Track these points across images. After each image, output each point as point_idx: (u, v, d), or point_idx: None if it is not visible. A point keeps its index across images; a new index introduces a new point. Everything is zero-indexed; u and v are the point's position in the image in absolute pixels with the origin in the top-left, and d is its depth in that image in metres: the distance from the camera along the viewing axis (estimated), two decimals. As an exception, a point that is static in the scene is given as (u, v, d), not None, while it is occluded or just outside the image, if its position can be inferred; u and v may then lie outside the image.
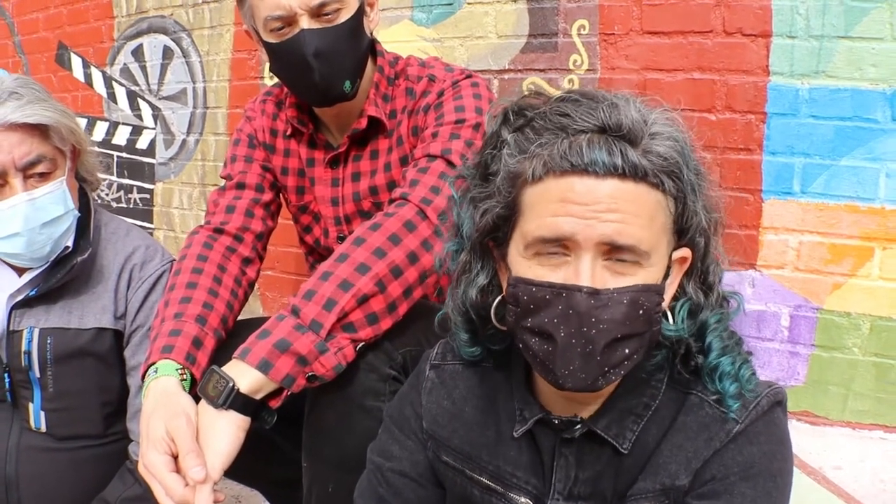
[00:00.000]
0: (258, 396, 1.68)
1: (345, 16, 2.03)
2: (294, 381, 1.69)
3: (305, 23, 2.00)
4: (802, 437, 2.63)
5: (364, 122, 2.18)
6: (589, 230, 1.18)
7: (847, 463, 2.50)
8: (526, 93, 1.38)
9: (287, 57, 2.06)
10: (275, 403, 1.72)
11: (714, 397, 1.32)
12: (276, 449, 2.11)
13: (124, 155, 4.75)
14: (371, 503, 1.57)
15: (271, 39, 2.06)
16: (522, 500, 1.44)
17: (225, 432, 1.65)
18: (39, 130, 1.98)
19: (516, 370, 1.47)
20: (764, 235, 2.73)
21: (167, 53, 4.44)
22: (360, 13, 2.08)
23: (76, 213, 2.10)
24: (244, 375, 1.66)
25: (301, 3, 1.98)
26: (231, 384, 1.64)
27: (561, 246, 1.22)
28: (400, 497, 1.56)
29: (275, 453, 2.12)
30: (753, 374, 1.35)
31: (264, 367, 1.66)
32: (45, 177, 2.01)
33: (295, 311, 1.72)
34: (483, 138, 1.42)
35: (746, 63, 2.68)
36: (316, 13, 2.00)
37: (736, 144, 2.72)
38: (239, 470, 1.69)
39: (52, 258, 2.09)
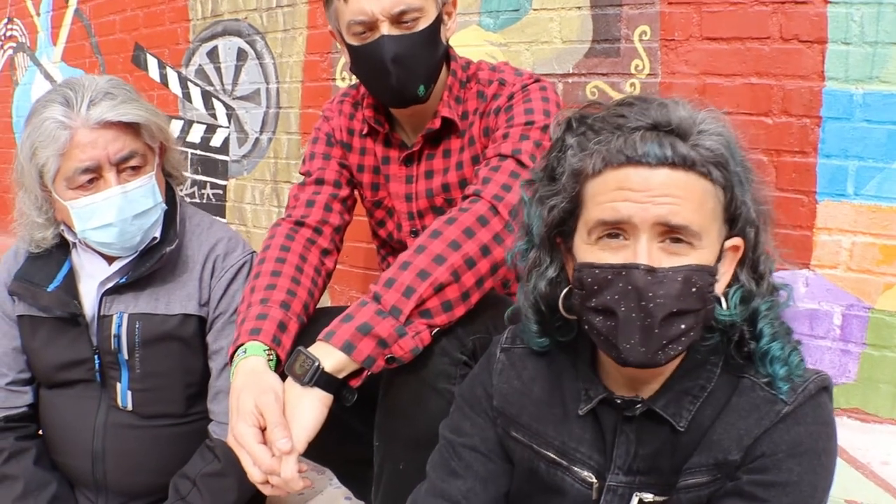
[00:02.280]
0: (341, 375, 1.77)
1: (423, 24, 2.11)
2: (374, 362, 1.78)
3: (386, 29, 2.08)
4: (852, 434, 2.63)
5: (438, 123, 2.25)
6: (644, 213, 1.30)
7: (895, 458, 2.52)
8: (588, 101, 1.50)
9: (367, 60, 2.15)
10: (355, 383, 1.81)
11: (765, 380, 1.41)
12: (350, 430, 2.18)
13: (198, 152, 4.80)
14: (443, 475, 1.66)
15: (353, 42, 2.14)
16: (585, 473, 1.53)
17: (309, 408, 1.74)
18: (132, 128, 2.09)
19: (583, 354, 1.56)
20: (818, 236, 2.74)
21: (241, 55, 4.49)
22: (437, 22, 2.16)
23: (164, 206, 2.19)
24: (329, 356, 1.75)
25: (382, 10, 2.06)
26: (317, 363, 1.74)
27: (620, 230, 1.33)
28: (470, 470, 1.65)
29: (348, 434, 2.18)
30: (802, 360, 1.43)
31: (348, 348, 1.76)
32: (136, 171, 2.11)
33: (376, 298, 1.81)
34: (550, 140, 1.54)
35: (802, 68, 2.69)
36: (396, 20, 2.08)
37: (792, 147, 2.73)
38: (314, 449, 1.77)
39: (141, 248, 2.18)
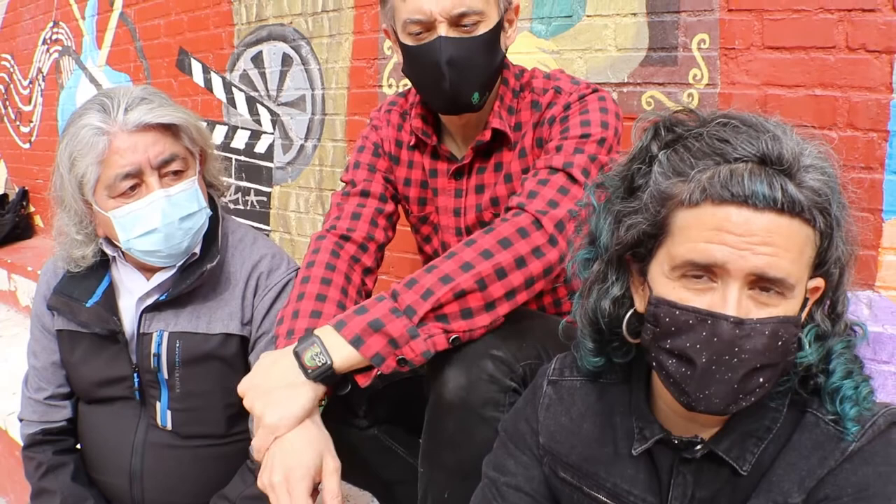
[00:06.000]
0: (347, 372, 1.76)
1: (483, 29, 2.05)
2: (384, 361, 1.75)
3: (443, 30, 2.02)
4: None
5: (488, 135, 2.18)
6: (742, 261, 1.20)
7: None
8: (678, 107, 1.37)
9: (421, 61, 2.09)
10: (363, 381, 1.78)
11: (831, 417, 1.32)
12: (394, 455, 2.17)
13: (242, 158, 4.83)
14: None
15: (408, 42, 2.09)
16: (638, 517, 1.45)
17: (303, 399, 1.74)
18: (171, 131, 2.10)
19: (637, 387, 1.48)
20: (883, 256, 2.62)
21: (286, 60, 4.49)
22: (498, 28, 2.09)
23: (209, 210, 2.18)
24: (339, 350, 1.73)
25: (442, 10, 2.00)
26: (328, 362, 1.72)
27: (708, 272, 1.23)
28: None
29: (392, 459, 2.17)
30: (871, 393, 1.33)
31: (356, 342, 1.73)
32: (178, 176, 2.12)
33: (394, 296, 1.79)
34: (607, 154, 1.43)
35: (869, 80, 2.57)
36: (455, 22, 2.02)
37: (857, 163, 2.61)
38: (356, 473, 1.73)
39: (182, 262, 2.16)
